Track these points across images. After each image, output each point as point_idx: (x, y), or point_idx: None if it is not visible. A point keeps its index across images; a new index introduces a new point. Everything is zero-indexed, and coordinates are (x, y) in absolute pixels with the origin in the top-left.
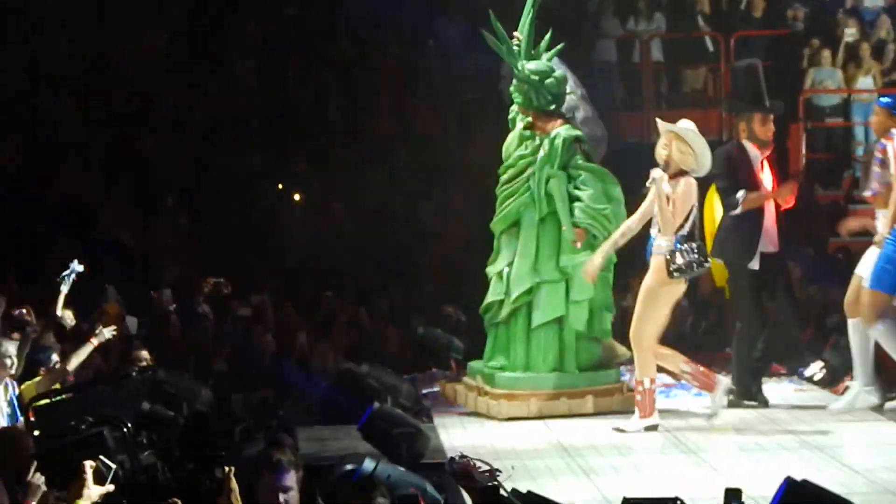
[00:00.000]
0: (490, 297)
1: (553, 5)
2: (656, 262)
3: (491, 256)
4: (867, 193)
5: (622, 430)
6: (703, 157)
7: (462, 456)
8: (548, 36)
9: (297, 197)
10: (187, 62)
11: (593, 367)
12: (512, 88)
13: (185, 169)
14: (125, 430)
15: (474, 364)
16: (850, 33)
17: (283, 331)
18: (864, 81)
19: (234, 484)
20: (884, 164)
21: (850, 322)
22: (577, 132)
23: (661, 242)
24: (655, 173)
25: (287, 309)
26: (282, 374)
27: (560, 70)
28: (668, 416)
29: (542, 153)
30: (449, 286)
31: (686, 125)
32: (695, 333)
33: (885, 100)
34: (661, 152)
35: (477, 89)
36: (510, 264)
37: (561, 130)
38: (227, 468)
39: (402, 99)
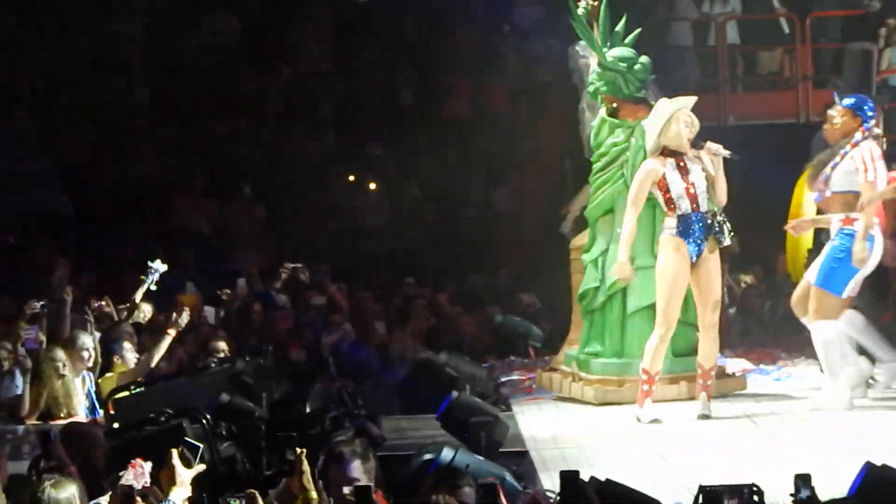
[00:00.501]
0: (586, 283)
1: None
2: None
3: (586, 244)
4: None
5: (707, 416)
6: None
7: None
8: (623, 21)
9: (372, 185)
10: (260, 49)
11: (688, 353)
12: (594, 76)
13: (260, 157)
14: (204, 421)
15: (570, 351)
16: None
17: (361, 319)
18: None
19: (305, 466)
20: (846, 170)
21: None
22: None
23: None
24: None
25: (363, 297)
26: (360, 364)
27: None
28: (745, 400)
29: (634, 141)
30: (526, 273)
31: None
32: (773, 318)
33: (849, 101)
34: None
35: (551, 73)
36: (605, 251)
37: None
38: (298, 450)
39: (477, 82)
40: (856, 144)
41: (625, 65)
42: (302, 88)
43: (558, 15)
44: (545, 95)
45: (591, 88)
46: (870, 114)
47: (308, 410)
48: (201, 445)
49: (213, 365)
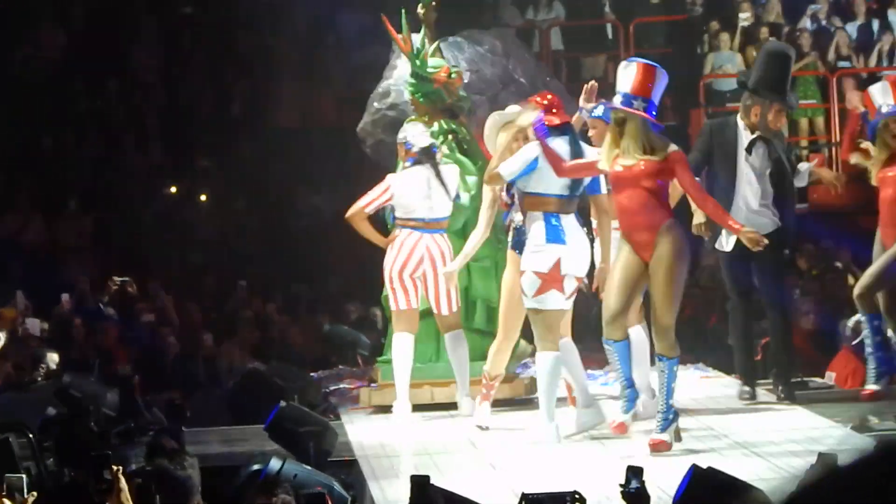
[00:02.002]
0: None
1: None
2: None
3: None
4: None
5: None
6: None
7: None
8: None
9: (202, 197)
10: (87, 61)
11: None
12: (409, 86)
13: (88, 170)
14: (30, 436)
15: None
16: (745, 17)
17: (189, 330)
18: None
19: (123, 484)
20: None
21: None
22: (453, 124)
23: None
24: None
25: (191, 308)
26: (188, 375)
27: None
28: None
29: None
30: (354, 282)
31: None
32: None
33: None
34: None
35: (377, 81)
36: None
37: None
38: (115, 467)
39: (302, 92)
40: None
41: (445, 75)
42: (129, 100)
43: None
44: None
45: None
46: None
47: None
48: (23, 476)
49: (38, 379)
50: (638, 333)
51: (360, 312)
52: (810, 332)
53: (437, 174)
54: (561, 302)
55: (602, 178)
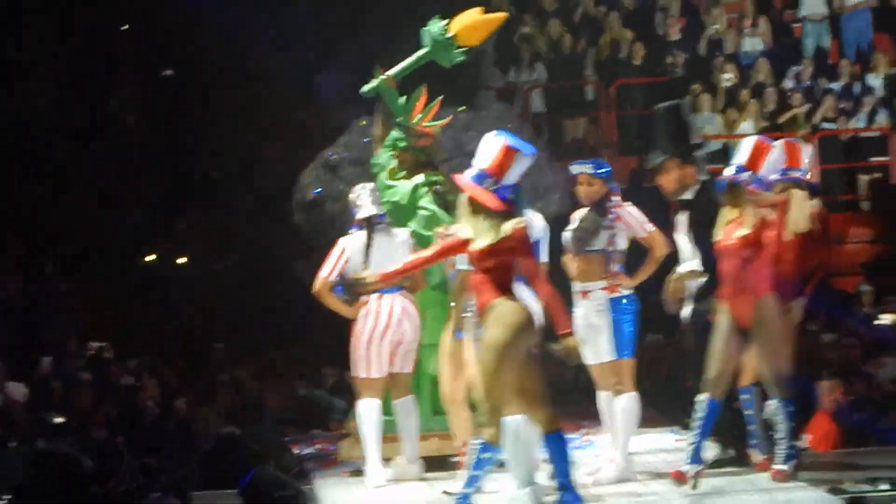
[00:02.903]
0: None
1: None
2: None
3: None
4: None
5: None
6: None
7: None
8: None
9: (181, 260)
10: (66, 123)
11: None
12: (396, 136)
13: (66, 233)
14: (5, 500)
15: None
16: (728, 78)
17: (165, 394)
18: (745, 126)
19: None
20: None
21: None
22: (433, 176)
23: None
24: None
25: (167, 372)
26: (164, 439)
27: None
28: None
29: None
30: (329, 345)
31: None
32: (576, 386)
33: (588, 168)
34: None
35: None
36: None
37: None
38: None
39: (285, 156)
40: (620, 205)
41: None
42: (108, 164)
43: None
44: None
45: (387, 152)
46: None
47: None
48: None
49: (10, 444)
50: (630, 399)
51: (336, 377)
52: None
53: (385, 239)
54: None
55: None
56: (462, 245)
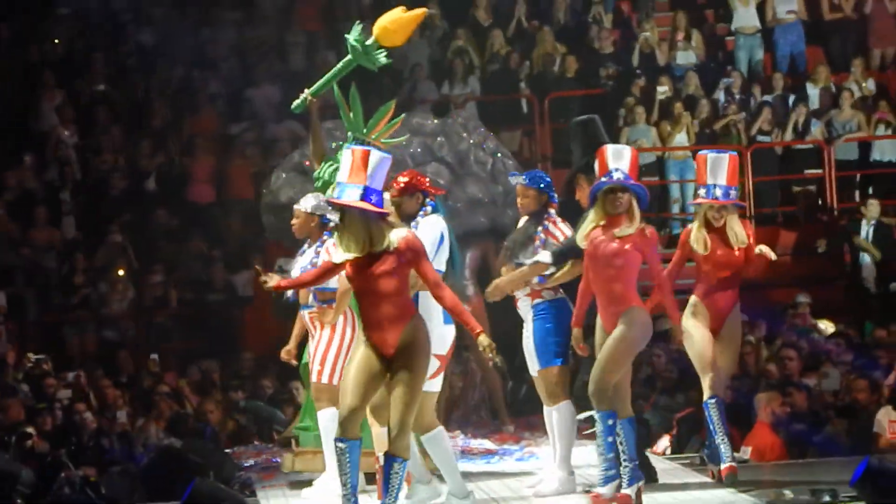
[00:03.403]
0: (305, 357)
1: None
2: None
3: None
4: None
5: None
6: None
7: None
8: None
9: (120, 272)
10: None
11: None
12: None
13: (0, 245)
14: None
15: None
16: (663, 91)
17: (104, 406)
18: (679, 138)
19: None
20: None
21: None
22: None
23: None
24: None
25: (105, 384)
26: (103, 452)
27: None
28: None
29: None
30: (269, 357)
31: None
32: (515, 399)
33: (522, 179)
34: None
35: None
36: None
37: None
38: None
39: (217, 166)
40: (552, 219)
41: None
42: (44, 175)
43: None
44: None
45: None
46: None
47: None
48: None
49: None
50: (563, 409)
51: (275, 388)
52: (726, 406)
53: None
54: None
55: None
56: (337, 267)
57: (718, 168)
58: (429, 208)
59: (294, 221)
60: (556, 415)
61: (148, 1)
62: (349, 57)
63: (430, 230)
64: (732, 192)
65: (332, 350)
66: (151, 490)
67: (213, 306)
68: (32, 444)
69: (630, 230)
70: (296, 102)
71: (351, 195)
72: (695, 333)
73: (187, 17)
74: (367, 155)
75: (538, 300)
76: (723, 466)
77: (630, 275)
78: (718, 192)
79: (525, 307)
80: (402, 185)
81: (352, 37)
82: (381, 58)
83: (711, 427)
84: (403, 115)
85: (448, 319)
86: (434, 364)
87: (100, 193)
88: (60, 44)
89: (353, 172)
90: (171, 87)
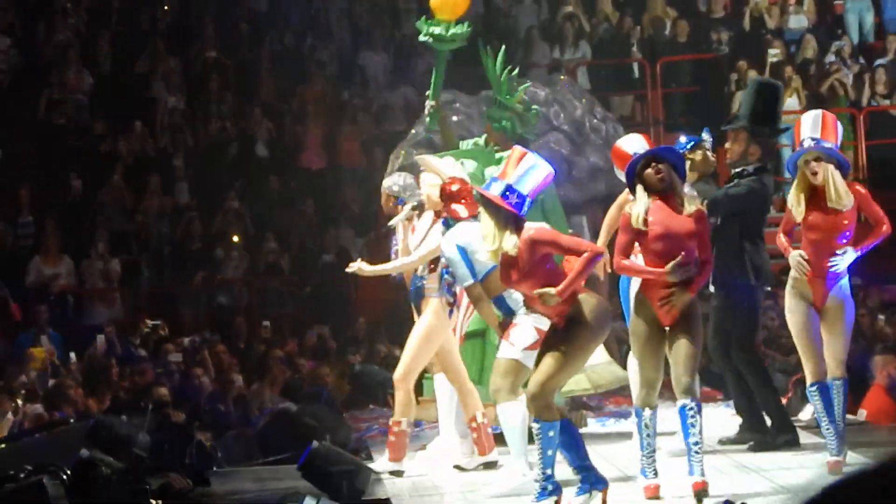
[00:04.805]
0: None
1: (487, 33)
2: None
3: None
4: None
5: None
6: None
7: None
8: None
9: (235, 238)
10: (113, 103)
11: None
12: (490, 114)
13: (114, 212)
14: (64, 477)
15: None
16: (774, 54)
17: (219, 371)
18: (790, 102)
19: None
20: None
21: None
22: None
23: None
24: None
25: (221, 349)
26: (220, 416)
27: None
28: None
29: None
30: (384, 322)
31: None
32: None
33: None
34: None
35: (403, 122)
36: None
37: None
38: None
39: (329, 132)
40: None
41: (521, 107)
42: (155, 142)
43: (407, 63)
44: (396, 143)
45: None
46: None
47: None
48: None
49: (72, 420)
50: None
51: (388, 352)
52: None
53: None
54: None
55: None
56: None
57: (812, 123)
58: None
59: (384, 203)
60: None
61: None
62: (439, 52)
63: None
64: (828, 145)
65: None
66: (267, 454)
67: (327, 272)
68: (169, 411)
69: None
70: (428, 118)
71: (494, 189)
72: (790, 316)
73: None
74: (522, 156)
75: None
76: (828, 460)
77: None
78: (810, 143)
79: None
80: (446, 188)
81: (424, 35)
82: (462, 30)
83: (817, 416)
84: (528, 83)
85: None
86: (534, 337)
87: (212, 160)
88: (170, 11)
89: (506, 169)
90: (282, 54)
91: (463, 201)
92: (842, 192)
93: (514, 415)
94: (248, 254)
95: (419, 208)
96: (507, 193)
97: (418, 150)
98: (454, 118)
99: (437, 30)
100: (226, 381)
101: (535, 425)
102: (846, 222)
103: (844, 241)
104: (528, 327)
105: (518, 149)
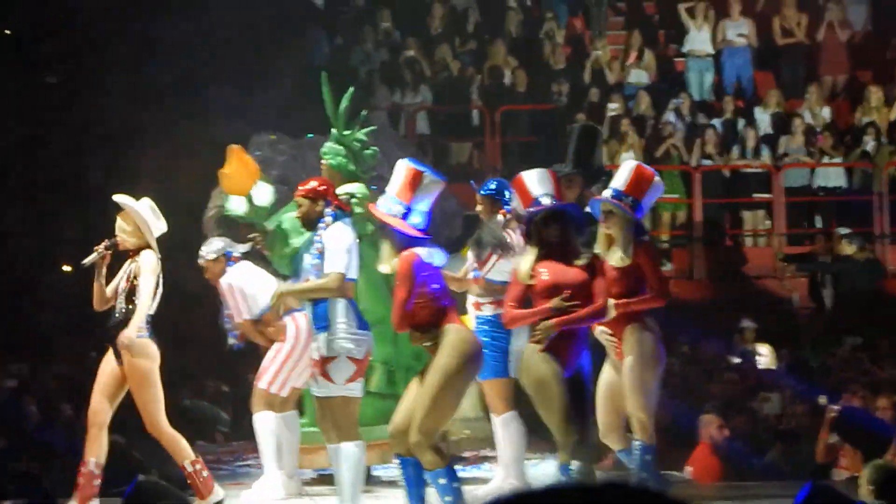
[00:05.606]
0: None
1: (329, 73)
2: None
3: None
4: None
5: None
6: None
7: None
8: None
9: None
10: None
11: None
12: (325, 150)
13: None
14: None
15: None
16: (613, 108)
17: (48, 400)
18: (626, 156)
19: None
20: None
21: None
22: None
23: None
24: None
25: (48, 377)
26: (46, 445)
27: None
28: None
29: None
30: (216, 357)
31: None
32: None
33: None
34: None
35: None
36: None
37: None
38: None
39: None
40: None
41: (358, 145)
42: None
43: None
44: None
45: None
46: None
47: None
48: None
49: None
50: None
51: (216, 389)
52: (668, 426)
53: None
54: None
55: None
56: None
57: (620, 173)
58: (329, 218)
59: (204, 272)
60: (500, 424)
61: None
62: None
63: (342, 235)
64: (626, 199)
65: (282, 357)
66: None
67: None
68: None
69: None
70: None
71: (393, 211)
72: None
73: None
74: (418, 175)
75: (478, 313)
76: None
77: None
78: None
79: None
80: (308, 188)
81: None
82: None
83: None
84: (374, 126)
85: (364, 325)
86: (350, 368)
87: (48, 186)
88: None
89: (400, 188)
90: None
91: (332, 190)
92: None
93: (346, 456)
94: (78, 278)
95: (112, 247)
96: (408, 216)
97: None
98: (279, 159)
99: (243, 209)
100: (55, 408)
101: (428, 476)
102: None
103: None
104: (343, 360)
105: (410, 166)
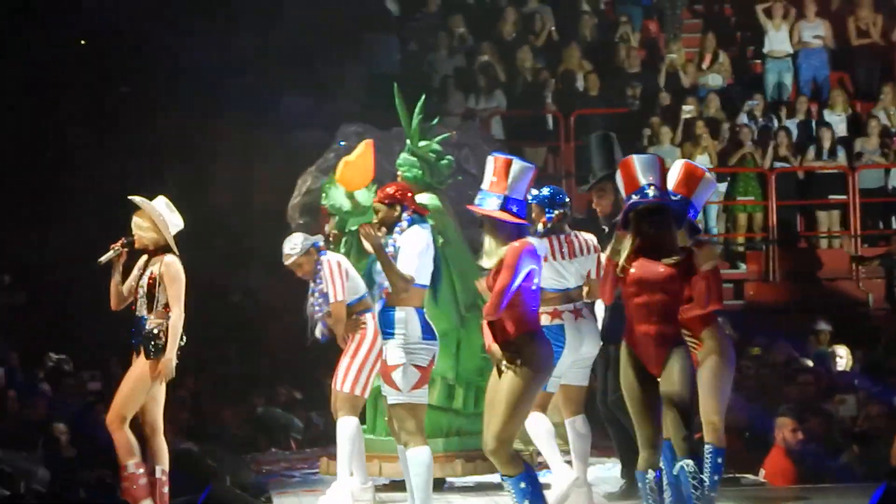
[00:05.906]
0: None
1: (401, 80)
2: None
3: None
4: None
5: None
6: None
7: None
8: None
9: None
10: (17, 136)
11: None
12: (400, 161)
13: (20, 246)
14: None
15: None
16: (688, 110)
17: None
18: (701, 159)
19: None
20: None
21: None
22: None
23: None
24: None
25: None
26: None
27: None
28: None
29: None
30: (288, 364)
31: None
32: None
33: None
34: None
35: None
36: None
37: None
38: None
39: (240, 171)
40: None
41: (434, 156)
42: (62, 179)
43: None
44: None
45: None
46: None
47: None
48: None
49: None
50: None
51: (289, 395)
52: (743, 428)
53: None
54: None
55: None
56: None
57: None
58: (405, 223)
59: (297, 270)
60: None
61: None
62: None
63: (418, 239)
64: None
65: (359, 359)
66: (169, 492)
67: (233, 311)
68: (59, 446)
69: None
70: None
71: (491, 204)
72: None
73: None
74: (508, 164)
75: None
76: None
77: None
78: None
79: None
80: (386, 193)
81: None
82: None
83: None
84: (447, 134)
85: (431, 334)
86: (415, 376)
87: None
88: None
89: (494, 180)
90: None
91: (410, 196)
92: None
93: (420, 460)
94: None
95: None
96: (509, 206)
97: (327, 175)
98: None
99: (345, 205)
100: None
101: (505, 482)
102: None
103: None
104: (408, 368)
105: (501, 157)
